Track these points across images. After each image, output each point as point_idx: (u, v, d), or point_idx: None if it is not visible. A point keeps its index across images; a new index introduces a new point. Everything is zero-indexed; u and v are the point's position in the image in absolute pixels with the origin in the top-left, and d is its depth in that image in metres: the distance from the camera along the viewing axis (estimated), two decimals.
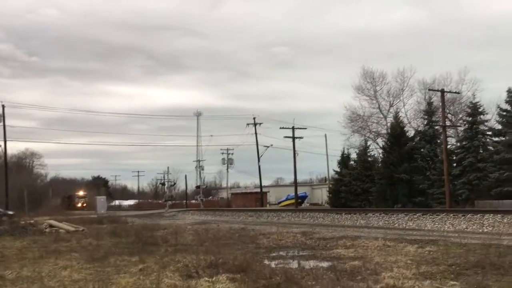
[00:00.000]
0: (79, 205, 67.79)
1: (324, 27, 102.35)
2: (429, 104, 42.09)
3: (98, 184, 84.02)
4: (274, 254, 11.58)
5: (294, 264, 9.79)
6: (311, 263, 9.51)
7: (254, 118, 57.23)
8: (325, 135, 58.47)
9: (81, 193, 72.16)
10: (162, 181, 72.34)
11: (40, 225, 23.02)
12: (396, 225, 19.57)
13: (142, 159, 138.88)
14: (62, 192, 78.13)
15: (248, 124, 57.23)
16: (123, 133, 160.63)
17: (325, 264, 9.63)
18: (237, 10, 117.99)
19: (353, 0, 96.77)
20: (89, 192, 72.49)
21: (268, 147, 56.46)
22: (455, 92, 41.49)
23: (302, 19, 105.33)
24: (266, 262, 10.00)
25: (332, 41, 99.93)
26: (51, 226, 22.56)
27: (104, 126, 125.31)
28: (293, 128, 47.11)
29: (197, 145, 69.35)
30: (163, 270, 8.87)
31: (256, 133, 56.84)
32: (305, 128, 49.99)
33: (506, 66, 74.26)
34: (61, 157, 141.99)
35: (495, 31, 76.10)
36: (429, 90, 41.89)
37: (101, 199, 51.97)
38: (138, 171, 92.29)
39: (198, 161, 67.75)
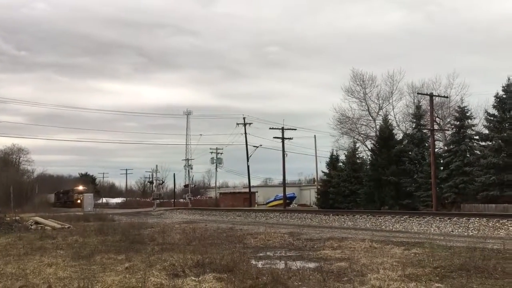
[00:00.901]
0: (79, 201, 60.71)
1: (318, 28, 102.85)
2: (418, 107, 42.43)
3: (86, 181, 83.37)
4: (261, 254, 11.59)
5: (281, 265, 9.81)
6: (298, 264, 9.53)
7: (244, 118, 57.29)
8: (314, 136, 58.65)
9: (80, 187, 68.27)
10: (150, 179, 72.04)
11: (26, 222, 22.80)
12: (383, 227, 19.68)
13: (130, 157, 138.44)
14: (48, 189, 77.27)
15: (237, 124, 57.27)
16: (111, 130, 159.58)
17: (311, 265, 9.65)
18: (231, 8, 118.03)
19: (348, 1, 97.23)
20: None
21: (257, 147, 56.54)
22: (444, 96, 41.86)
23: (296, 19, 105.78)
24: (253, 262, 10.01)
25: (325, 41, 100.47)
26: (37, 223, 22.35)
27: (92, 123, 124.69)
28: (282, 129, 47.20)
29: (186, 144, 69.20)
30: (150, 269, 8.83)
31: (245, 133, 56.88)
32: (295, 129, 50.13)
33: (495, 70, 75.20)
34: (49, 153, 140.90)
35: (488, 35, 76.99)
36: (418, 94, 42.22)
37: (88, 197, 51.63)
38: (126, 169, 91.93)
39: (187, 160, 67.66)
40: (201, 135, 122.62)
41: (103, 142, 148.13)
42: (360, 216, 23.40)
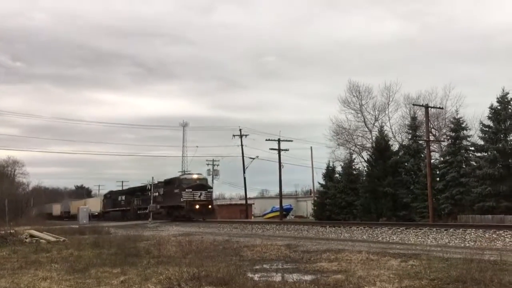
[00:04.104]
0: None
1: (315, 37, 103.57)
2: (414, 118, 42.63)
3: (81, 194, 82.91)
4: (257, 267, 11.53)
5: (278, 277, 9.75)
6: (295, 276, 9.48)
7: (240, 130, 57.33)
8: (311, 148, 58.81)
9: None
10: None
11: (21, 235, 22.61)
12: (380, 238, 19.64)
13: (126, 169, 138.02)
14: (43, 202, 76.37)
15: (234, 136, 57.32)
16: (107, 142, 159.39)
17: (308, 278, 9.60)
18: (228, 18, 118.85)
19: (345, 11, 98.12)
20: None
21: (253, 158, 56.60)
22: (439, 108, 42.15)
23: (293, 28, 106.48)
24: (250, 275, 9.95)
25: (323, 51, 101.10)
26: (31, 236, 22.18)
27: (88, 134, 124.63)
28: (279, 140, 47.27)
29: (182, 156, 69.06)
30: (145, 282, 8.77)
31: (242, 145, 56.90)
32: (291, 141, 50.30)
33: (492, 81, 75.75)
34: (44, 165, 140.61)
35: (485, 46, 77.75)
36: (414, 105, 42.45)
37: (83, 209, 51.26)
38: (122, 181, 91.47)
39: (184, 171, 67.44)
40: (197, 146, 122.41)
41: (99, 154, 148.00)
42: (357, 227, 23.36)
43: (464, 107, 43.47)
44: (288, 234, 24.31)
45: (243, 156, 56.56)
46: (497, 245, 14.97)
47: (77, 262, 12.63)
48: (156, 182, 48.03)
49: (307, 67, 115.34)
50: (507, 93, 34.72)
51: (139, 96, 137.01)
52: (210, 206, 42.11)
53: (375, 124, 49.14)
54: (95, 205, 63.29)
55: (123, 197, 56.40)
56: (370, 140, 48.34)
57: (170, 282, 8.77)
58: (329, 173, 46.36)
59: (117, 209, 56.23)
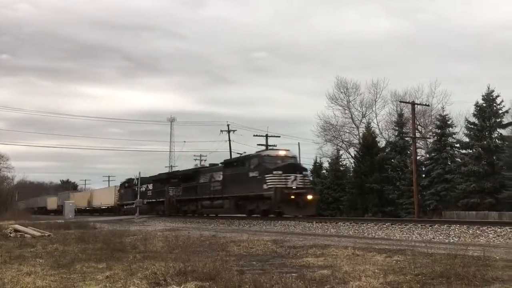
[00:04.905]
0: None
1: (306, 34, 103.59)
2: (400, 115, 43.02)
3: (67, 188, 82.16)
4: (244, 262, 11.53)
5: (264, 273, 9.77)
6: (281, 272, 9.51)
7: (228, 125, 57.22)
8: (298, 144, 58.95)
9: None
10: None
11: (5, 229, 22.37)
12: (366, 234, 19.77)
13: (113, 163, 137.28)
14: (28, 196, 75.31)
15: (222, 131, 57.22)
16: (93, 136, 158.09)
17: (294, 273, 9.63)
18: (220, 12, 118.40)
19: (337, 8, 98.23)
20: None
21: (241, 154, 56.54)
22: (425, 105, 42.52)
23: (285, 24, 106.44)
24: (236, 270, 9.95)
25: (313, 48, 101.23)
26: (16, 230, 21.95)
27: (75, 128, 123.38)
28: (266, 136, 47.31)
29: (170, 151, 68.76)
30: (131, 278, 8.73)
31: (229, 140, 56.79)
32: (279, 136, 50.21)
33: (479, 79, 76.49)
34: (29, 159, 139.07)
35: (475, 44, 78.49)
36: (400, 102, 42.89)
37: (69, 204, 50.79)
38: (109, 176, 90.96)
39: (171, 167, 67.22)
40: (185, 141, 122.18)
41: (85, 148, 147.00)
42: (343, 223, 23.49)
43: (449, 105, 43.83)
44: (275, 230, 24.36)
45: (230, 152, 56.52)
46: (481, 241, 15.16)
47: (62, 257, 12.52)
48: (207, 166, 38.82)
49: (297, 63, 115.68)
50: (492, 91, 35.21)
51: (127, 90, 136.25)
52: (310, 197, 28.63)
53: (362, 121, 49.54)
54: (106, 196, 54.80)
55: (150, 186, 45.89)
56: (357, 137, 48.69)
57: (156, 277, 8.74)
58: (316, 169, 46.63)
59: (144, 200, 45.79)
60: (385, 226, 20.84)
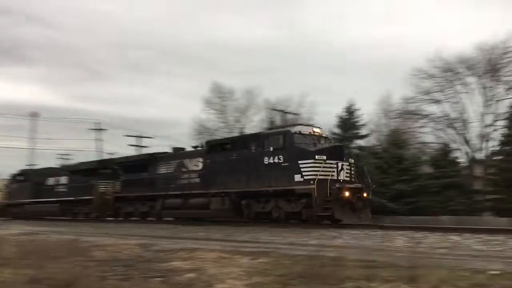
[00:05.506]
0: None
1: (188, 35, 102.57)
2: (271, 123, 44.81)
3: None
4: (107, 268, 11.01)
5: (127, 277, 9.41)
6: (146, 276, 9.25)
7: (97, 123, 54.56)
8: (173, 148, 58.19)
9: None
10: None
11: None
12: (234, 237, 20.16)
13: None
14: None
15: (91, 129, 54.34)
16: None
17: (160, 277, 9.44)
18: (99, 4, 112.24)
19: (225, 12, 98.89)
20: None
21: (112, 154, 54.19)
22: (295, 114, 44.93)
23: (170, 23, 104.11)
24: (97, 276, 9.45)
25: (196, 50, 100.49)
26: None
27: None
28: (138, 137, 46.04)
29: (31, 148, 63.45)
30: None
31: (98, 139, 54.18)
32: (152, 137, 49.08)
33: (342, 92, 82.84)
34: None
35: (339, 60, 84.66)
36: (272, 110, 44.68)
37: None
38: None
39: (31, 165, 61.86)
40: (49, 139, 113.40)
41: None
42: (213, 227, 23.73)
43: (316, 115, 46.90)
44: (144, 233, 23.72)
45: (99, 151, 53.89)
46: (337, 242, 16.32)
47: None
48: (198, 147, 28.10)
49: (177, 64, 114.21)
50: (353, 104, 38.46)
51: None
52: (365, 195, 20.75)
53: (236, 126, 50.61)
54: None
55: (64, 180, 35.85)
56: None
57: (3, 287, 7.94)
58: None
59: (47, 200, 35.72)
60: (252, 229, 21.51)
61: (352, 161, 21.69)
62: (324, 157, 20.13)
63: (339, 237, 17.62)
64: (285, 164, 20.77)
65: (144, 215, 29.27)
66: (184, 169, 26.09)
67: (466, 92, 35.72)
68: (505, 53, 34.57)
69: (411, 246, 13.41)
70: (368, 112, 47.73)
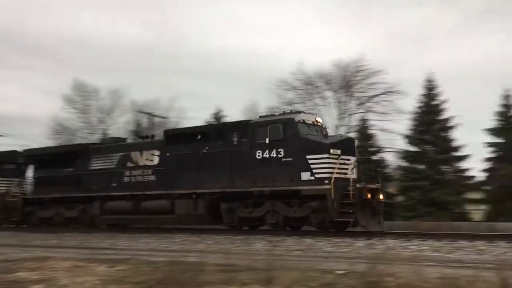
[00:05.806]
0: None
1: (45, 28, 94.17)
2: (138, 125, 43.68)
3: None
4: None
5: None
6: None
7: None
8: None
9: None
10: None
11: None
12: (91, 244, 19.16)
13: None
14: None
15: None
16: None
17: None
18: None
19: (80, 6, 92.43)
20: None
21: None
22: (163, 117, 44.34)
23: (21, 14, 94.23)
24: None
25: (51, 44, 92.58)
26: None
27: None
28: None
29: None
30: None
31: None
32: (3, 136, 44.68)
33: (209, 97, 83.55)
34: None
35: (204, 66, 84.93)
36: (139, 112, 43.52)
37: None
38: None
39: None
40: None
41: None
42: (65, 234, 22.40)
43: (185, 119, 46.77)
44: None
45: None
46: (199, 247, 16.39)
47: None
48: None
49: (37, 58, 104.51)
50: (221, 111, 39.31)
51: None
52: (382, 197, 17.66)
53: (100, 127, 48.27)
54: None
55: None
56: None
57: None
58: None
59: None
60: (110, 234, 20.82)
61: (361, 157, 19.54)
62: (339, 152, 17.00)
63: (201, 242, 17.71)
64: (287, 159, 17.26)
65: (67, 221, 24.27)
66: (130, 164, 21.56)
67: (324, 105, 38.45)
68: (358, 72, 37.97)
69: (269, 249, 13.98)
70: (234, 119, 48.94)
